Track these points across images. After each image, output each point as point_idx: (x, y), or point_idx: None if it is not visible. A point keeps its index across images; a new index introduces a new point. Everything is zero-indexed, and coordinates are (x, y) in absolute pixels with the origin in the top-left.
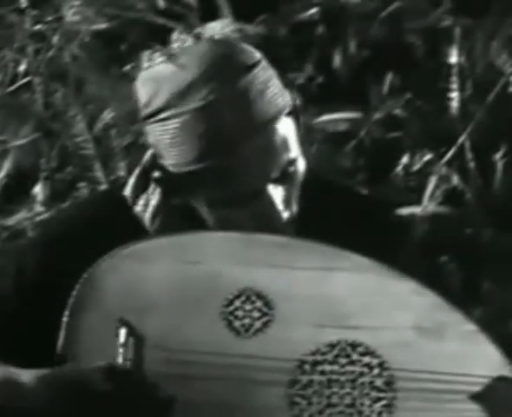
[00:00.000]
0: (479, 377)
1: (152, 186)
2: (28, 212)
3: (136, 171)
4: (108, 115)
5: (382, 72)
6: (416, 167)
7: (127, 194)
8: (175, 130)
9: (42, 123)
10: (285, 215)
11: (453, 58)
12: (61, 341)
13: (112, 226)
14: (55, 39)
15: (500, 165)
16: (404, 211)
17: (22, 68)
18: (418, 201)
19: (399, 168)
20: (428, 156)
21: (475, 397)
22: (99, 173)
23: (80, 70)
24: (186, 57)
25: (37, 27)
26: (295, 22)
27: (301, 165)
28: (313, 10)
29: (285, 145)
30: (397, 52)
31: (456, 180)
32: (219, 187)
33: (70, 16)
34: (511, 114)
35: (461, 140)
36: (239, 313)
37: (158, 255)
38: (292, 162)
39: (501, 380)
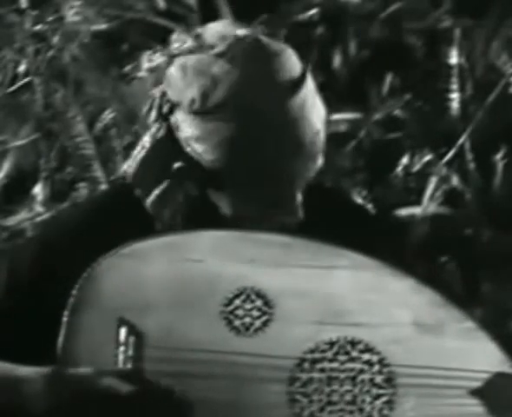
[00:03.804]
0: (479, 372)
1: (163, 171)
2: (28, 212)
3: (144, 150)
4: (107, 116)
5: (382, 73)
6: (416, 167)
7: (128, 170)
8: (230, 130)
9: (42, 124)
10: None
11: (453, 59)
12: (61, 341)
13: (116, 224)
14: (56, 39)
15: (500, 166)
16: (404, 212)
17: (22, 68)
18: (418, 202)
19: (399, 169)
20: (428, 157)
21: (476, 393)
22: (99, 173)
23: (80, 71)
24: (235, 52)
25: (37, 27)
26: (295, 22)
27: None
28: (313, 11)
29: (315, 153)
30: (397, 53)
31: (455, 180)
32: (255, 190)
33: (70, 16)
34: (511, 115)
35: (461, 141)
36: (239, 312)
37: (157, 254)
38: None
39: (501, 375)
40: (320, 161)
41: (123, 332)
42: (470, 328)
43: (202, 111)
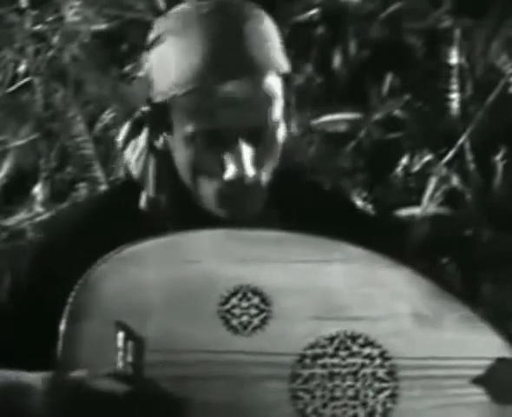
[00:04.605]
0: (480, 360)
1: (143, 130)
2: (27, 212)
3: (131, 119)
4: (107, 116)
5: (382, 73)
6: (416, 168)
7: (119, 139)
8: (176, 50)
9: (42, 124)
10: (252, 173)
11: (453, 59)
12: (60, 348)
13: (116, 224)
14: (55, 39)
15: (500, 166)
16: (404, 212)
17: (22, 68)
18: (418, 203)
19: (399, 169)
20: (428, 157)
21: (478, 381)
22: (99, 173)
23: (80, 71)
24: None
25: (37, 27)
26: (295, 22)
27: (281, 133)
28: (313, 11)
29: (268, 101)
30: (397, 53)
31: (455, 181)
32: (199, 118)
33: (70, 16)
34: (511, 115)
35: (461, 141)
36: (236, 311)
37: (152, 257)
38: (274, 124)
39: (501, 361)
40: (275, 114)
41: (121, 337)
42: (469, 317)
43: (156, 37)
